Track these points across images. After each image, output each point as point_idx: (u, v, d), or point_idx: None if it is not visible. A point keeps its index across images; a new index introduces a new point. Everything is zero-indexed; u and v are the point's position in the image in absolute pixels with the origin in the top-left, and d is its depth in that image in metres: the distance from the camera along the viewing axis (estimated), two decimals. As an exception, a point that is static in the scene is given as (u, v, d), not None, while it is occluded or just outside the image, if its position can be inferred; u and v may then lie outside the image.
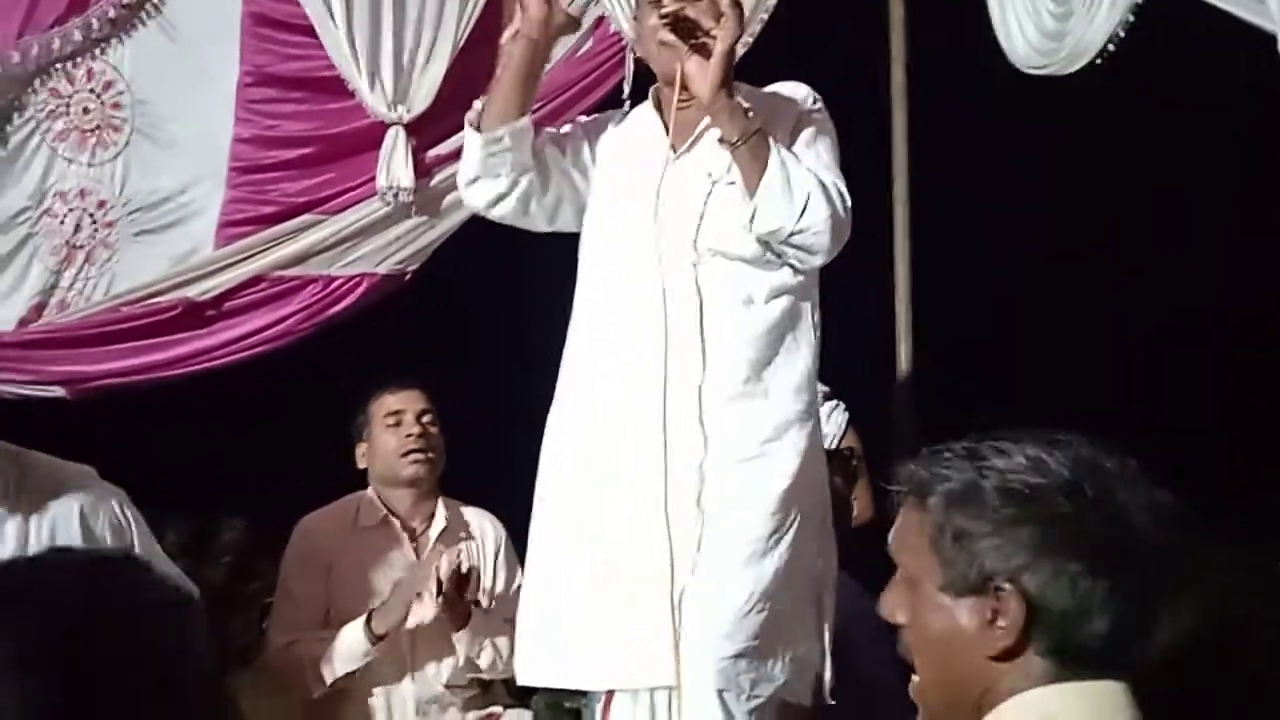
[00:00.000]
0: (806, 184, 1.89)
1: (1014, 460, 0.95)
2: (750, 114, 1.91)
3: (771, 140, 1.92)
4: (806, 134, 2.02)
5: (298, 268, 2.89)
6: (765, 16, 3.20)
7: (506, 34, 2.10)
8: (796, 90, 2.09)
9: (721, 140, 1.92)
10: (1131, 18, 2.81)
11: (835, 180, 1.96)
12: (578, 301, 2.09)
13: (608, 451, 1.99)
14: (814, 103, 2.07)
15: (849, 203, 1.95)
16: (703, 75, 1.88)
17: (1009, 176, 3.43)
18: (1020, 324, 3.42)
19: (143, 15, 2.82)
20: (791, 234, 1.90)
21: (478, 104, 2.09)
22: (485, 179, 2.06)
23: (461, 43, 2.95)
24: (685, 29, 1.89)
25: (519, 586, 2.62)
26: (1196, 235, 3.40)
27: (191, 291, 2.84)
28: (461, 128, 2.91)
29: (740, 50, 2.55)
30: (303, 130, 2.89)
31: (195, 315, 2.85)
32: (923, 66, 3.20)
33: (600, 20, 3.13)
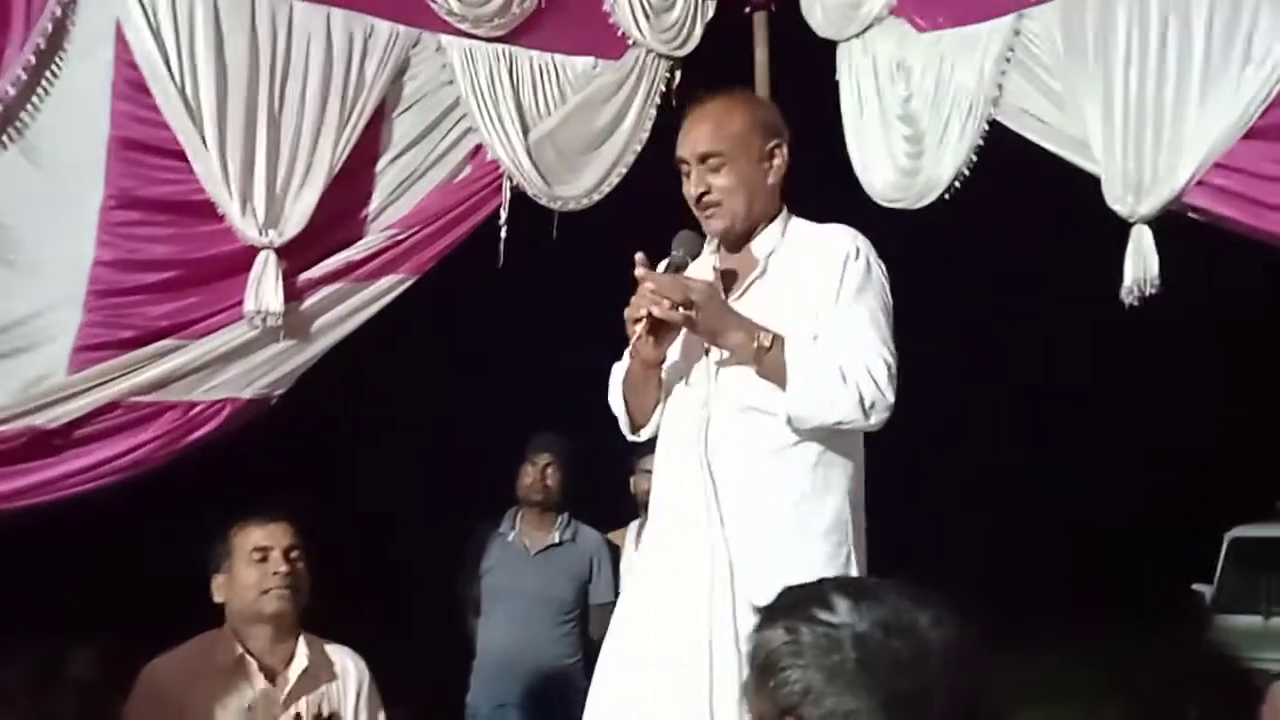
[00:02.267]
0: (830, 380, 2.00)
1: (832, 612, 1.05)
2: (758, 336, 2.02)
3: (789, 342, 2.02)
4: (851, 287, 2.09)
5: (156, 393, 2.78)
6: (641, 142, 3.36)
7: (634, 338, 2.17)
8: (843, 237, 2.15)
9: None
10: (975, 158, 3.06)
11: (869, 351, 2.03)
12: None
13: (657, 595, 2.11)
14: (858, 255, 2.12)
15: (889, 369, 2.03)
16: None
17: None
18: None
19: (3, 140, 2.75)
20: (830, 423, 2.02)
21: (621, 414, 2.29)
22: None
23: (338, 168, 2.97)
24: (659, 324, 2.05)
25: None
26: (1055, 356, 3.61)
27: (39, 419, 2.69)
28: (335, 251, 2.98)
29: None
30: (168, 254, 2.82)
31: (42, 444, 2.69)
32: (789, 206, 3.37)
33: (478, 148, 3.21)
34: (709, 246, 2.24)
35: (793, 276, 2.12)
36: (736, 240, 2.18)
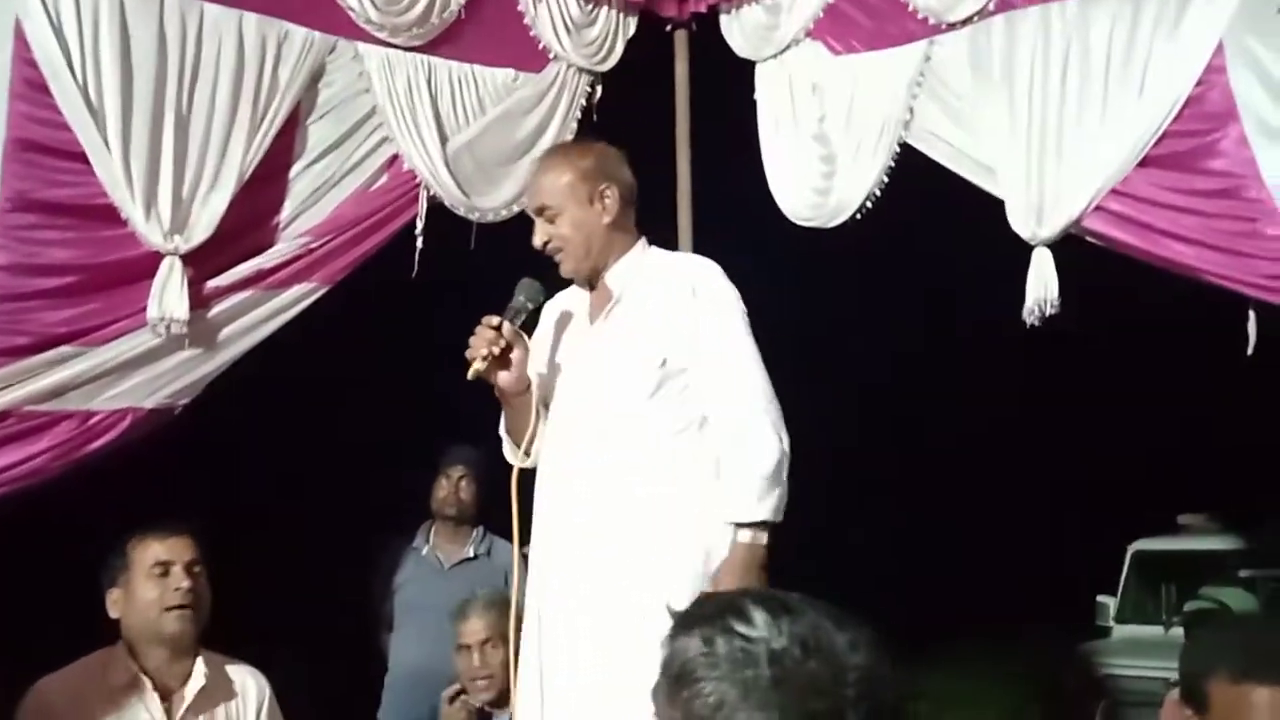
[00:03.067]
0: (762, 473, 2.18)
1: (749, 626, 1.04)
2: (752, 546, 2.17)
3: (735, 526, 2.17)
4: (715, 318, 2.26)
5: (52, 402, 2.67)
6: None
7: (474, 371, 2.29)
8: (692, 267, 2.35)
9: None
10: (886, 179, 3.13)
11: (751, 393, 2.22)
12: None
13: (537, 610, 2.29)
14: (708, 285, 2.29)
15: (770, 397, 2.23)
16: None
17: (789, 322, 3.64)
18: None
19: (-107, 139, 2.63)
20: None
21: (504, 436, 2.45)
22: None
23: (248, 174, 2.91)
24: (495, 363, 2.22)
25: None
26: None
27: (-75, 429, 2.58)
28: (245, 258, 2.92)
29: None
30: (67, 258, 2.71)
31: (-73, 455, 2.59)
32: (707, 221, 3.41)
33: (395, 157, 3.17)
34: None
35: (644, 301, 2.29)
36: (589, 278, 2.36)
